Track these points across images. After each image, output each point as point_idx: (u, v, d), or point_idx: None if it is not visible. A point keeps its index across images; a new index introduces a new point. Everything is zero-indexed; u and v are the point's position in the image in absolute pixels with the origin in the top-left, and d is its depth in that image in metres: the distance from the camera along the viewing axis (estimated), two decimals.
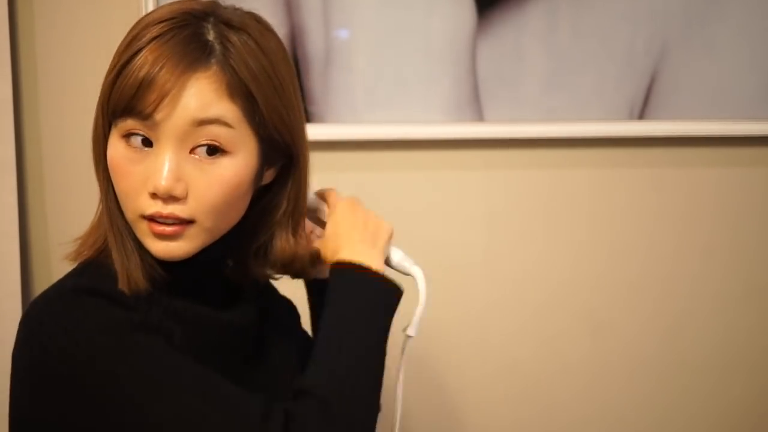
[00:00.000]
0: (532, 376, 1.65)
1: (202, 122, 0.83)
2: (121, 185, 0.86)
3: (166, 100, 0.82)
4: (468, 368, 1.64)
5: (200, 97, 0.83)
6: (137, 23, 0.88)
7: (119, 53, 0.85)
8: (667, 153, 1.59)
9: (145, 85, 0.82)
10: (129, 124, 0.84)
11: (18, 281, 1.56)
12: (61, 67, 1.59)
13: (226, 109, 0.84)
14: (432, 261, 1.59)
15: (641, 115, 1.55)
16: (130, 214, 0.87)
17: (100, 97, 0.87)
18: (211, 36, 0.85)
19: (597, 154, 1.59)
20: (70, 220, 1.62)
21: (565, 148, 1.58)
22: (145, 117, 0.82)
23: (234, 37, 0.85)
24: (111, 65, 0.85)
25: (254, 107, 0.86)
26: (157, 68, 0.82)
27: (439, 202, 1.59)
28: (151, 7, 1.51)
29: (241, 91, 0.85)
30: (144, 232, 0.86)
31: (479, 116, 1.55)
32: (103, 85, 0.86)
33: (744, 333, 1.64)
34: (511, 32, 1.52)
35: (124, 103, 0.83)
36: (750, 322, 1.64)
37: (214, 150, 0.85)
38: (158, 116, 0.82)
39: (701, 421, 1.66)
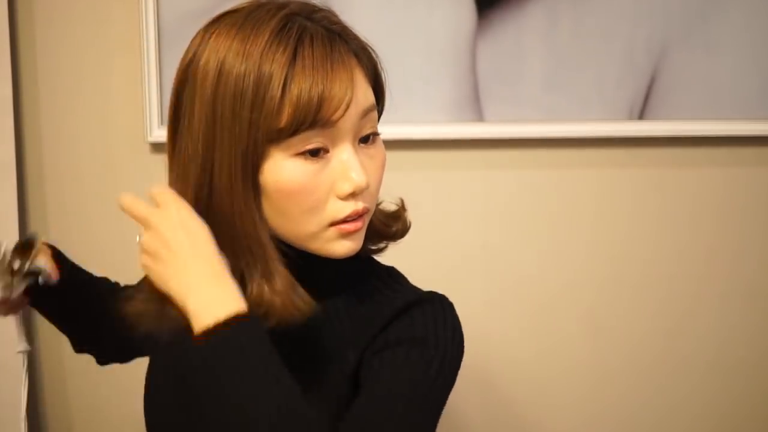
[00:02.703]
0: (534, 378, 1.65)
1: (367, 112, 0.85)
2: (305, 203, 0.83)
3: (349, 104, 0.82)
4: (468, 369, 1.64)
5: (362, 90, 0.84)
6: (245, 39, 0.82)
7: (260, 77, 0.80)
8: (667, 153, 1.59)
9: (327, 93, 0.80)
10: (308, 135, 0.81)
11: None
12: (61, 67, 1.59)
13: (371, 92, 0.87)
14: (432, 261, 1.60)
15: (641, 115, 1.55)
16: (312, 228, 0.84)
17: (243, 133, 0.81)
18: (325, 29, 0.84)
19: (597, 154, 1.59)
20: (70, 220, 1.63)
21: (565, 148, 1.58)
22: (332, 124, 0.81)
23: (338, 24, 0.86)
24: (249, 90, 0.80)
25: (377, 85, 0.89)
26: (329, 73, 0.81)
27: (439, 201, 1.59)
28: (151, 8, 1.51)
29: (373, 73, 0.88)
30: (330, 239, 0.85)
31: (479, 116, 1.55)
32: (251, 117, 0.80)
33: (747, 334, 1.64)
34: (511, 32, 1.52)
35: (311, 118, 0.80)
36: (753, 323, 1.64)
37: (375, 135, 0.87)
38: (340, 120, 0.82)
39: (704, 422, 1.66)
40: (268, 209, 0.84)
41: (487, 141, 1.56)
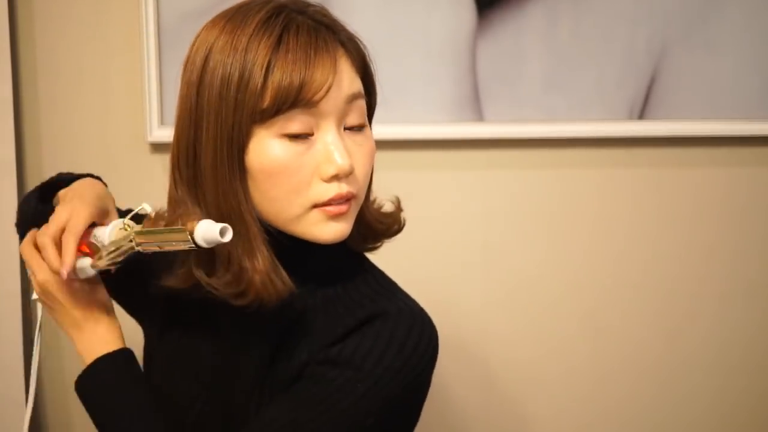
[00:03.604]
0: (534, 378, 1.65)
1: (352, 98, 0.87)
2: (288, 183, 0.85)
3: (332, 85, 0.84)
4: (469, 370, 1.64)
5: (347, 75, 0.86)
6: (234, 29, 0.85)
7: (245, 61, 0.83)
8: (667, 153, 1.59)
9: (308, 76, 0.83)
10: (290, 116, 0.83)
11: (18, 281, 1.56)
12: (61, 67, 1.59)
13: (359, 81, 0.88)
14: (431, 261, 1.60)
15: (641, 115, 1.55)
16: (295, 210, 0.86)
17: (229, 114, 0.84)
18: (313, 21, 0.86)
19: (597, 154, 1.59)
20: None
21: (565, 148, 1.58)
22: (314, 105, 0.83)
23: (328, 17, 0.89)
24: (236, 73, 0.83)
25: (366, 76, 0.91)
26: (312, 58, 0.83)
27: (439, 201, 1.59)
28: (151, 8, 1.51)
29: (361, 63, 0.90)
30: (315, 221, 0.86)
31: (479, 116, 1.55)
32: (237, 98, 0.83)
33: (748, 334, 1.64)
34: (511, 32, 1.52)
35: (292, 98, 0.83)
36: (754, 323, 1.64)
37: (363, 127, 0.89)
38: (323, 101, 0.84)
39: (705, 423, 1.66)
40: (255, 192, 0.87)
41: (487, 141, 1.56)
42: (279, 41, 0.83)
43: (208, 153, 0.85)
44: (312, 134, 0.85)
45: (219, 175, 0.85)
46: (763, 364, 1.65)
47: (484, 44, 1.52)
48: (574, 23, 1.52)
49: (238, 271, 0.86)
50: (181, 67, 0.89)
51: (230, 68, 0.83)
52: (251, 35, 0.84)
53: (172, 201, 0.90)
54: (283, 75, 0.82)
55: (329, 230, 0.87)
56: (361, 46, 0.90)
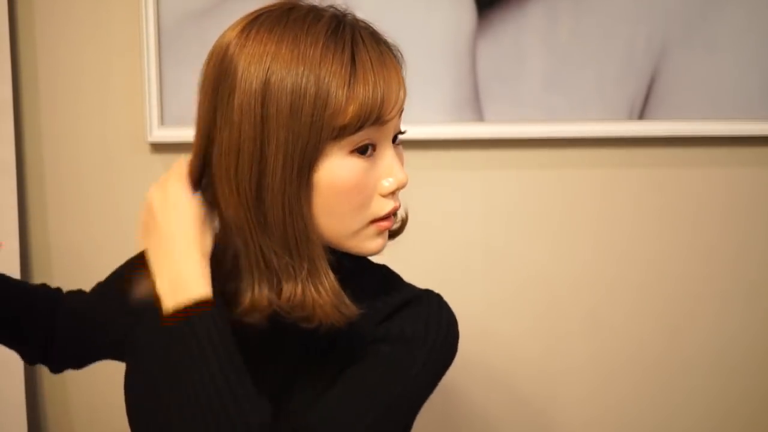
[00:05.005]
0: (536, 378, 1.65)
1: (401, 111, 0.88)
2: (355, 200, 0.85)
3: (402, 104, 0.86)
4: (472, 367, 1.64)
5: (403, 90, 0.88)
6: (296, 40, 0.82)
7: (321, 76, 0.81)
8: (667, 153, 1.59)
9: (386, 93, 0.83)
10: (365, 134, 0.84)
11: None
12: (61, 67, 1.59)
13: None
14: (432, 261, 1.60)
15: (641, 115, 1.55)
16: (355, 225, 0.87)
17: (304, 130, 0.81)
18: (367, 31, 0.86)
19: (597, 154, 1.59)
20: (70, 220, 1.63)
21: (565, 148, 1.58)
22: (386, 122, 0.84)
23: (371, 26, 0.89)
24: (311, 88, 0.81)
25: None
26: (386, 74, 0.84)
27: (439, 202, 1.60)
28: (151, 8, 1.51)
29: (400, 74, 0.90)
30: (369, 236, 0.88)
31: (479, 116, 1.55)
32: (314, 113, 0.81)
33: (750, 333, 1.64)
34: (511, 32, 1.52)
35: (375, 115, 0.83)
36: (755, 322, 1.64)
37: (400, 133, 0.90)
38: (392, 119, 0.85)
39: (707, 421, 1.66)
40: (316, 209, 0.85)
41: (487, 141, 1.57)
42: (353, 55, 0.82)
43: (277, 170, 0.82)
44: (375, 150, 0.86)
45: (287, 194, 0.82)
46: (765, 364, 1.65)
47: (484, 44, 1.53)
48: (575, 23, 1.52)
49: (301, 296, 0.84)
50: (229, 78, 0.83)
51: (302, 82, 0.80)
52: (322, 47, 0.81)
53: (234, 227, 0.85)
54: (365, 92, 0.82)
55: (377, 244, 0.89)
56: (400, 56, 0.90)
